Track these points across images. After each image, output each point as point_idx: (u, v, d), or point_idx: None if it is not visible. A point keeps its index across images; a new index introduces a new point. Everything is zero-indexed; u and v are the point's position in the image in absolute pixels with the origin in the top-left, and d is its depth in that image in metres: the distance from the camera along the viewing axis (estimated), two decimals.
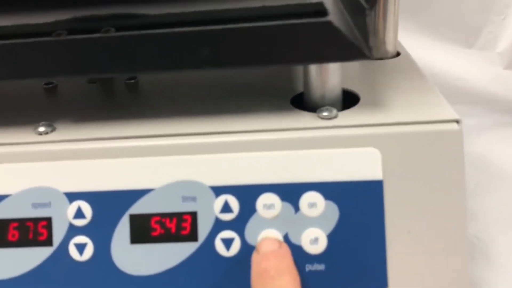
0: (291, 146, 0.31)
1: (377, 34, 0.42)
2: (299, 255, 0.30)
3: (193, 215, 0.31)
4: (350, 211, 0.30)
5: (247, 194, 0.31)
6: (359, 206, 0.30)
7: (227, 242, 0.31)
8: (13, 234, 0.32)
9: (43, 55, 0.32)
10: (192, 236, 0.31)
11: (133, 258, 0.31)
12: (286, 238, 0.31)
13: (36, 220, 0.32)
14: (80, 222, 0.31)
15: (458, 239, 0.31)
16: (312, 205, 0.31)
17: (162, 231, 0.31)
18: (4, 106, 0.39)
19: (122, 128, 0.33)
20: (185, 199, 0.31)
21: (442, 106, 0.33)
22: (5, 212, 0.32)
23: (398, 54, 0.44)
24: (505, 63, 0.70)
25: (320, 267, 0.30)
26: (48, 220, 0.32)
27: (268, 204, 0.31)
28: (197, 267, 0.31)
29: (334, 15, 0.37)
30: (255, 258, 0.30)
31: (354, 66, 0.41)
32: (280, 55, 0.30)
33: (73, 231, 0.31)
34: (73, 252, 0.31)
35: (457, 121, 0.31)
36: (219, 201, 0.31)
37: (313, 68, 0.33)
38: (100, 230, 0.31)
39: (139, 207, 0.31)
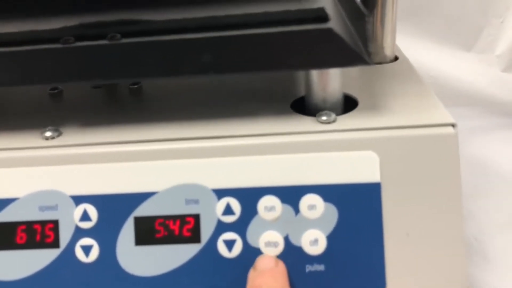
0: (291, 150, 0.32)
1: (375, 39, 0.43)
2: (299, 256, 0.31)
3: (196, 217, 0.32)
4: (349, 213, 0.31)
5: (249, 197, 0.32)
6: (358, 208, 0.31)
7: (229, 244, 0.32)
8: (21, 236, 0.33)
9: (51, 61, 0.32)
10: (195, 238, 0.32)
11: (138, 259, 0.32)
12: (286, 240, 0.31)
13: (43, 223, 0.32)
14: (86, 225, 0.32)
15: (456, 241, 0.31)
16: (312, 207, 0.31)
17: (166, 233, 0.32)
18: (10, 111, 0.40)
19: (126, 133, 0.34)
20: (188, 201, 0.32)
21: (439, 110, 0.34)
22: (13, 215, 0.33)
23: (396, 58, 0.44)
24: (503, 66, 0.70)
25: (320, 267, 0.31)
26: (55, 223, 0.32)
27: (269, 206, 0.32)
28: (200, 268, 0.32)
29: (335, 21, 0.38)
30: (251, 274, 0.30)
31: (352, 70, 0.41)
32: (282, 61, 0.31)
33: (79, 233, 0.32)
34: (79, 253, 0.32)
35: (452, 125, 0.32)
36: (221, 204, 0.32)
37: (314, 73, 0.34)
38: (105, 232, 0.32)
39: (144, 210, 0.32)
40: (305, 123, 0.33)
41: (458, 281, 0.32)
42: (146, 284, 0.32)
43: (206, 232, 0.32)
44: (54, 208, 0.32)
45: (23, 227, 0.33)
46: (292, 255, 0.31)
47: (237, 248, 0.32)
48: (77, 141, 0.33)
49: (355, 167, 0.31)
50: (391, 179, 0.31)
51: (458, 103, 0.67)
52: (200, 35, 0.38)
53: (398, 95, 0.36)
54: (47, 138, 0.34)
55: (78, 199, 0.32)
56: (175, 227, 0.32)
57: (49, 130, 0.34)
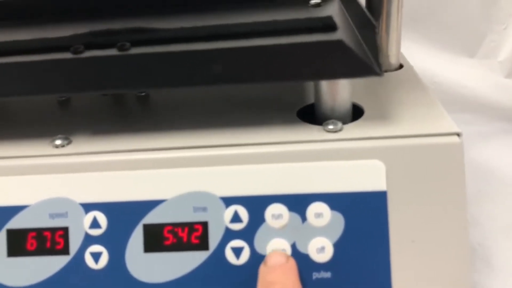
0: (298, 158, 0.32)
1: (380, 48, 0.43)
2: (306, 263, 0.32)
3: (204, 224, 0.32)
4: (356, 221, 0.32)
5: (256, 205, 0.32)
6: (364, 216, 0.32)
7: (237, 251, 0.32)
8: (31, 243, 0.33)
9: (61, 72, 0.33)
10: (203, 245, 0.32)
11: (147, 266, 0.32)
12: (293, 247, 0.32)
13: (53, 230, 0.33)
14: (95, 232, 0.33)
15: (461, 248, 0.32)
16: (318, 215, 0.32)
17: (175, 240, 0.32)
18: (20, 119, 0.41)
19: (135, 141, 0.34)
20: (196, 209, 0.32)
21: (444, 119, 0.34)
22: (24, 222, 0.33)
23: (401, 66, 0.45)
24: (506, 72, 0.71)
25: (327, 275, 0.32)
26: (65, 230, 0.33)
27: (276, 214, 0.32)
28: (208, 275, 0.32)
29: (344, 31, 0.39)
30: (262, 270, 0.31)
31: (358, 79, 0.42)
32: (293, 72, 0.32)
33: (89, 240, 0.33)
34: (89, 260, 0.33)
35: (458, 134, 0.32)
36: (229, 211, 0.32)
37: (324, 83, 0.34)
38: (115, 239, 0.33)
39: (152, 217, 0.33)
40: (312, 132, 0.34)
41: (463, 287, 0.32)
42: None
43: (214, 240, 0.32)
44: (64, 215, 0.33)
45: (34, 234, 0.33)
46: (299, 262, 0.32)
47: (245, 255, 0.32)
48: (87, 149, 0.34)
49: (362, 175, 0.32)
50: (397, 187, 0.32)
51: (461, 109, 0.67)
52: (209, 44, 0.39)
53: (403, 104, 0.37)
54: (57, 146, 0.34)
55: (87, 207, 0.33)
56: (183, 234, 0.32)
57: (59, 138, 0.35)
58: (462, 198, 0.32)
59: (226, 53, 0.32)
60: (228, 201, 0.32)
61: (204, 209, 0.32)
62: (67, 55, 0.39)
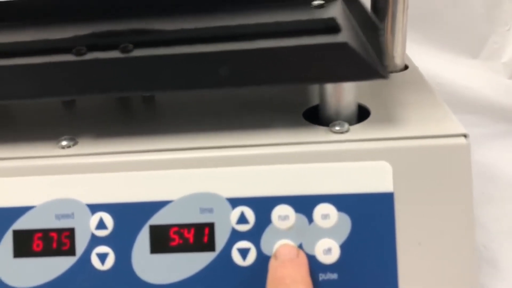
0: (305, 160, 0.32)
1: (385, 48, 0.43)
2: (312, 264, 0.31)
3: (211, 226, 0.32)
4: (362, 222, 0.32)
5: (263, 206, 0.32)
6: (371, 218, 0.32)
7: (243, 252, 0.32)
8: (37, 244, 0.33)
9: (67, 75, 0.33)
10: (209, 246, 0.32)
11: (153, 267, 0.32)
12: (300, 248, 0.32)
13: (59, 231, 0.33)
14: (102, 233, 0.33)
15: (467, 250, 0.32)
16: (325, 216, 0.32)
17: (181, 241, 0.32)
18: (25, 120, 0.41)
19: (141, 142, 0.34)
20: (202, 210, 0.32)
21: (450, 120, 0.34)
22: (30, 223, 0.33)
23: (406, 67, 0.45)
24: (509, 73, 0.71)
25: (333, 276, 0.32)
26: (71, 231, 0.33)
27: (283, 216, 0.32)
28: (215, 276, 0.32)
29: (348, 33, 0.38)
30: (272, 264, 0.31)
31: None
32: (298, 75, 0.32)
33: (95, 241, 0.33)
34: (95, 261, 0.33)
35: (465, 135, 0.32)
36: (236, 213, 0.32)
37: (329, 86, 0.34)
38: (121, 240, 0.33)
39: (159, 218, 0.32)
40: (319, 133, 0.34)
41: None
42: None
43: (220, 241, 0.32)
44: (70, 216, 0.33)
45: (40, 234, 0.33)
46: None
47: (251, 256, 0.32)
48: (93, 150, 0.34)
49: (368, 177, 0.32)
50: (404, 189, 0.32)
51: (464, 110, 0.67)
52: (213, 46, 0.38)
53: (409, 105, 0.37)
54: (63, 147, 0.34)
55: (94, 208, 0.33)
56: (189, 235, 0.32)
57: (65, 139, 0.35)
58: (468, 199, 0.32)
59: (232, 56, 0.32)
60: (235, 202, 0.32)
61: (210, 210, 0.32)
62: (70, 57, 0.39)
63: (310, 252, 0.32)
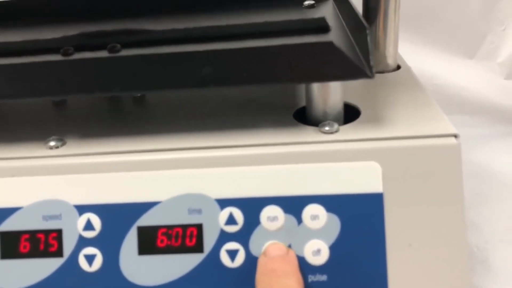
0: (294, 160, 0.32)
1: (377, 48, 0.43)
2: (302, 266, 0.31)
3: (199, 227, 0.32)
4: (352, 223, 0.31)
5: (251, 207, 0.32)
6: (360, 218, 0.31)
7: (232, 254, 0.32)
8: (24, 245, 0.33)
9: (53, 74, 0.33)
10: (198, 247, 0.32)
11: (141, 268, 0.32)
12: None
13: (47, 232, 0.33)
14: (89, 234, 0.32)
15: (459, 251, 0.31)
16: (314, 217, 0.31)
17: (169, 243, 0.32)
18: (14, 120, 0.40)
19: (129, 143, 0.34)
20: (191, 211, 0.32)
21: (441, 120, 0.34)
22: (17, 224, 0.33)
23: (398, 67, 0.45)
24: (505, 73, 0.70)
25: (323, 278, 0.31)
26: (59, 232, 0.33)
27: (272, 217, 0.32)
28: (203, 277, 0.32)
29: (336, 33, 0.38)
30: (262, 260, 0.30)
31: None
32: (283, 74, 0.31)
33: (82, 242, 0.32)
34: (82, 263, 0.32)
35: (455, 136, 0.32)
36: (224, 214, 0.32)
37: (315, 85, 0.34)
38: (109, 242, 0.32)
39: (147, 219, 0.32)
40: (308, 133, 0.33)
41: None
42: None
43: (209, 242, 0.32)
44: (57, 217, 0.33)
45: (27, 236, 0.33)
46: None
47: (240, 258, 0.32)
48: (81, 151, 0.34)
49: (358, 177, 0.31)
50: (393, 189, 0.31)
51: (461, 110, 0.67)
52: (200, 46, 0.38)
53: (400, 105, 0.37)
54: (51, 148, 0.34)
55: (81, 209, 0.33)
56: (178, 236, 0.32)
57: (53, 139, 0.34)
58: (459, 200, 0.32)
59: (216, 55, 0.32)
60: (223, 203, 0.32)
61: (199, 211, 0.32)
62: (57, 57, 0.39)
63: (299, 253, 0.31)
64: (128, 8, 0.51)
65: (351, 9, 0.40)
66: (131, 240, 0.32)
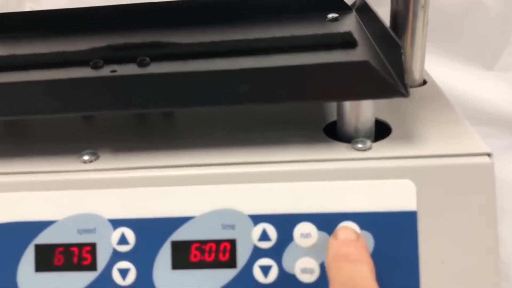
0: (327, 177, 0.32)
1: (406, 68, 0.43)
2: None
3: (232, 242, 0.32)
4: (385, 240, 0.31)
5: (285, 223, 0.32)
6: (394, 236, 0.31)
7: (265, 270, 0.32)
8: (58, 258, 0.33)
9: (89, 91, 0.33)
10: (231, 263, 0.32)
11: (174, 283, 0.32)
12: (322, 267, 0.32)
13: (81, 246, 0.33)
14: (123, 248, 0.33)
15: (491, 268, 0.32)
16: None
17: (202, 258, 0.32)
18: (46, 133, 0.41)
19: (163, 157, 0.34)
20: (224, 227, 0.32)
21: (473, 139, 0.34)
22: (52, 237, 0.33)
23: (424, 82, 0.45)
24: None
25: None
26: (93, 246, 0.33)
27: (305, 233, 0.32)
28: None
29: (364, 48, 0.38)
30: (333, 243, 0.30)
31: None
32: (318, 92, 0.32)
33: (116, 256, 0.33)
34: (116, 277, 0.33)
35: (488, 155, 0.32)
36: (257, 230, 0.32)
37: (348, 102, 0.34)
38: (142, 256, 0.33)
39: (181, 234, 0.32)
40: (341, 150, 0.34)
41: None
42: None
43: (242, 258, 0.32)
44: (92, 231, 0.33)
45: (61, 249, 0.33)
46: (328, 282, 0.31)
47: (273, 274, 0.32)
48: (115, 165, 0.34)
49: (392, 195, 0.31)
50: (427, 207, 0.31)
51: (479, 122, 0.67)
52: (230, 61, 0.39)
53: (430, 122, 0.37)
54: (85, 162, 0.34)
55: (116, 223, 0.33)
56: (211, 252, 0.32)
57: (87, 153, 0.35)
58: (492, 218, 0.32)
59: (252, 73, 0.32)
60: (257, 219, 0.32)
61: (232, 227, 0.32)
62: (88, 71, 0.39)
63: None
64: (154, 19, 0.51)
65: (377, 21, 0.40)
66: (164, 255, 0.32)
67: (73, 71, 0.40)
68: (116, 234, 0.33)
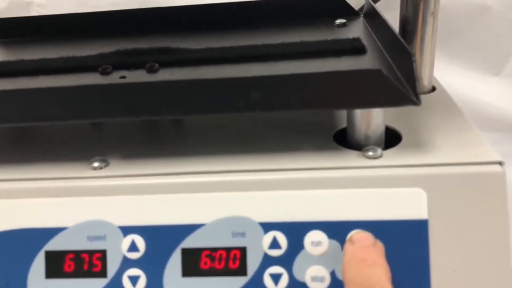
0: (338, 185, 0.32)
1: (417, 76, 0.43)
2: None
3: (243, 250, 0.32)
4: (396, 249, 0.31)
5: (295, 231, 0.32)
6: (405, 245, 0.31)
7: (275, 278, 0.32)
8: (69, 265, 0.33)
9: (96, 98, 0.33)
10: (241, 270, 0.32)
11: None
12: (333, 275, 0.32)
13: (91, 252, 0.33)
14: (133, 255, 0.33)
15: (503, 278, 0.31)
16: None
17: (213, 265, 0.32)
18: (56, 140, 0.41)
19: (172, 164, 0.34)
20: (234, 234, 0.32)
21: (484, 147, 0.34)
22: (62, 244, 0.33)
23: (433, 88, 0.45)
24: None
25: None
26: (103, 253, 0.33)
27: (316, 241, 0.32)
28: None
29: (373, 54, 0.38)
30: (349, 248, 0.30)
31: None
32: (330, 101, 0.32)
33: (126, 263, 0.33)
34: (126, 284, 0.33)
35: (500, 163, 0.32)
36: (268, 237, 0.32)
37: (358, 110, 0.34)
38: (153, 263, 0.33)
39: (191, 242, 0.32)
40: (351, 157, 0.34)
41: None
42: None
43: (252, 265, 0.32)
44: (102, 238, 0.33)
45: (72, 255, 0.33)
46: None
47: (283, 282, 0.32)
48: (125, 172, 0.34)
49: (403, 203, 0.31)
50: (438, 216, 0.31)
51: (485, 127, 0.67)
52: (240, 68, 0.39)
53: (440, 129, 0.37)
54: (95, 168, 0.34)
55: (126, 230, 0.33)
56: (221, 259, 0.32)
57: (97, 160, 0.35)
58: (504, 227, 0.32)
59: (264, 81, 0.32)
60: (267, 226, 0.32)
61: (242, 235, 0.32)
62: (97, 77, 0.39)
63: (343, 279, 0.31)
64: (162, 25, 0.51)
65: (386, 27, 0.40)
66: (175, 262, 0.32)
67: (82, 76, 0.40)
68: (126, 241, 0.33)
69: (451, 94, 0.44)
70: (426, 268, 0.31)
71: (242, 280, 0.32)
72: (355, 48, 0.41)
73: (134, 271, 0.33)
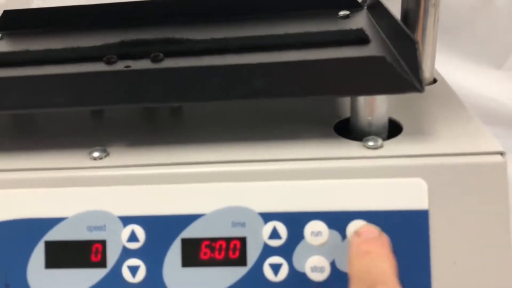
0: (339, 175, 0.32)
1: (421, 63, 0.43)
2: (346, 282, 0.31)
3: (242, 240, 0.32)
4: (397, 239, 0.31)
5: (295, 221, 0.32)
6: (405, 235, 0.31)
7: (275, 268, 0.32)
8: (68, 255, 0.33)
9: (98, 85, 0.33)
10: (241, 260, 0.32)
11: (184, 281, 0.32)
12: (333, 265, 0.31)
13: (90, 243, 0.33)
14: (133, 245, 0.33)
15: (503, 269, 0.31)
16: None
17: (212, 255, 0.32)
18: (55, 129, 0.41)
19: (172, 155, 0.34)
20: (234, 224, 0.32)
21: (486, 137, 0.34)
22: (61, 234, 0.33)
23: (434, 80, 0.45)
24: None
25: None
26: (103, 243, 0.33)
27: (316, 232, 0.32)
28: None
29: (377, 44, 0.38)
30: (355, 240, 0.30)
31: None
32: (334, 87, 0.32)
33: (126, 253, 0.33)
34: (126, 274, 0.32)
35: (501, 153, 0.32)
36: (268, 227, 0.32)
37: (361, 98, 0.34)
38: (152, 253, 0.32)
39: (191, 232, 0.32)
40: (352, 148, 0.33)
41: None
42: None
43: (252, 255, 0.32)
44: (102, 228, 0.33)
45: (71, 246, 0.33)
46: (338, 280, 0.31)
47: (283, 272, 0.32)
48: (125, 162, 0.34)
49: (403, 194, 0.31)
50: (439, 206, 0.31)
51: (488, 121, 0.66)
52: (244, 57, 0.38)
53: (441, 120, 0.36)
54: (95, 159, 0.34)
55: (126, 220, 0.33)
56: (221, 249, 0.32)
57: (97, 150, 0.35)
58: (505, 218, 0.31)
59: (268, 68, 0.32)
60: (267, 217, 0.32)
61: (242, 225, 0.32)
62: (101, 66, 0.39)
63: (343, 269, 0.31)
64: (167, 15, 0.51)
65: (390, 17, 0.39)
66: (174, 252, 0.32)
67: (87, 66, 0.40)
68: (126, 231, 0.33)
69: (452, 86, 0.44)
70: (427, 258, 0.31)
71: (242, 270, 0.32)
72: (358, 38, 0.41)
73: (134, 261, 0.33)
